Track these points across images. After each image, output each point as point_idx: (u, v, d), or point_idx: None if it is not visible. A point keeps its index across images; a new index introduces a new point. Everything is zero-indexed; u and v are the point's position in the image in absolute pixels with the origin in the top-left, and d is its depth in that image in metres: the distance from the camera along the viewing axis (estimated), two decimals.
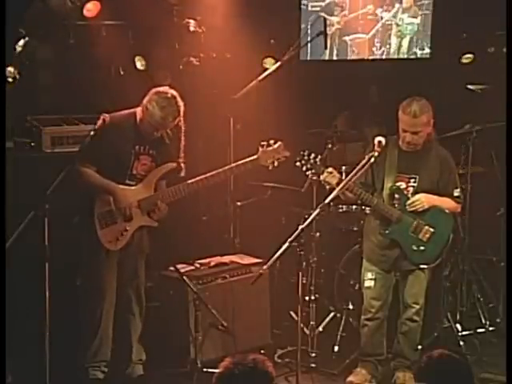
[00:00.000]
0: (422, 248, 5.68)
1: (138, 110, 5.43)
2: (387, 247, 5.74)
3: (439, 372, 3.26)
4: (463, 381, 3.29)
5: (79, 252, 5.56)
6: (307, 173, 5.67)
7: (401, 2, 7.42)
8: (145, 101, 5.37)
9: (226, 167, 5.58)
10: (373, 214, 5.83)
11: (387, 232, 5.68)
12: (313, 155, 5.61)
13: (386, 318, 5.86)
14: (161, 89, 5.40)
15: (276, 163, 5.57)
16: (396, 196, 5.67)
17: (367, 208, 6.20)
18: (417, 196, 5.66)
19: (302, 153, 5.64)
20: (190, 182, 5.50)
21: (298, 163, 5.65)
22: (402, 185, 5.70)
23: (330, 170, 5.61)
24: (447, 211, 5.76)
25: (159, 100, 5.32)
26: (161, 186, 5.58)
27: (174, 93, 5.39)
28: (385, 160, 5.64)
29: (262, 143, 5.57)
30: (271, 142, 5.58)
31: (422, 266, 5.73)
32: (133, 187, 5.47)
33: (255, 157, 5.58)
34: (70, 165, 5.01)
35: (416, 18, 7.42)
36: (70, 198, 5.45)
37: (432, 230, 5.67)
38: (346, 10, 7.38)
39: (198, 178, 5.51)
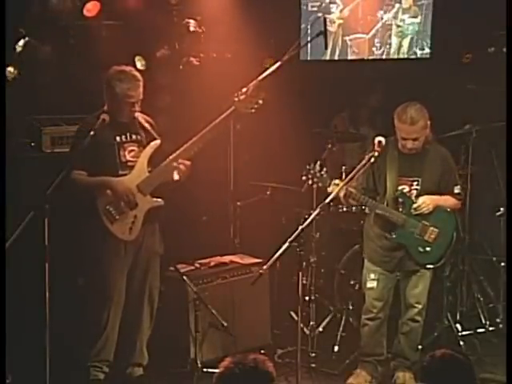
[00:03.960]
0: (427, 249, 5.68)
1: (105, 107, 5.50)
2: (392, 249, 5.74)
3: (442, 372, 3.26)
4: (466, 381, 3.29)
5: (87, 249, 5.56)
6: (313, 186, 5.64)
7: (400, 2, 7.42)
8: (105, 90, 5.49)
9: (211, 125, 5.54)
10: (375, 218, 5.81)
11: (394, 236, 5.68)
12: (318, 168, 5.58)
13: (386, 317, 5.86)
14: (111, 69, 5.53)
15: (256, 106, 5.55)
16: (400, 199, 5.67)
17: (367, 208, 6.20)
18: (421, 199, 5.65)
19: (308, 167, 5.61)
20: (178, 152, 5.50)
21: (304, 177, 5.62)
22: (405, 188, 5.69)
23: (336, 181, 5.59)
24: (449, 210, 5.77)
25: (116, 76, 5.45)
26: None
27: (125, 67, 5.56)
28: (385, 163, 5.63)
29: (235, 94, 5.57)
30: (243, 89, 5.57)
31: (428, 266, 5.73)
32: (127, 176, 5.48)
33: (233, 108, 5.56)
34: (67, 168, 5.02)
35: (416, 17, 7.42)
36: (71, 198, 5.45)
37: (437, 230, 5.68)
38: (341, 5, 7.39)
39: (185, 146, 5.51)
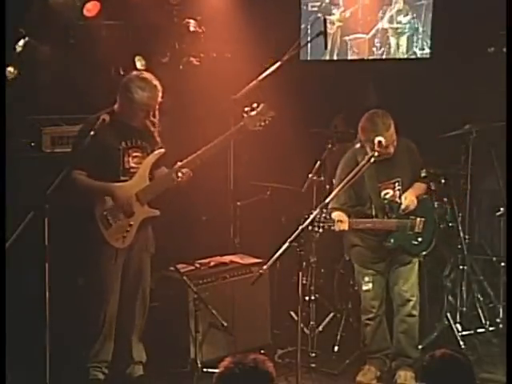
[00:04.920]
0: (419, 239, 5.76)
1: (115, 106, 5.46)
2: (384, 251, 5.77)
3: (441, 371, 3.26)
4: (465, 381, 3.29)
5: (82, 252, 5.56)
6: (320, 231, 5.53)
7: (396, 3, 7.41)
8: (121, 93, 5.43)
9: (216, 140, 5.53)
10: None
11: (391, 242, 5.70)
12: (319, 211, 5.48)
13: (384, 312, 5.90)
14: (132, 74, 5.49)
15: (263, 124, 5.55)
16: (386, 207, 5.70)
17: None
18: (406, 198, 5.69)
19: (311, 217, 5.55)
20: (181, 163, 5.49)
21: (310, 228, 5.54)
22: (390, 192, 5.75)
23: (338, 218, 5.55)
24: (425, 196, 5.85)
25: (137, 82, 5.40)
26: (160, 173, 5.60)
27: (146, 74, 5.52)
28: (361, 174, 5.55)
29: (246, 109, 5.56)
30: (254, 105, 5.56)
31: (421, 254, 5.80)
32: (128, 182, 5.46)
33: (242, 123, 5.56)
34: (66, 168, 5.01)
35: (407, 16, 7.41)
36: (69, 200, 5.45)
37: (423, 219, 5.74)
38: (342, 7, 7.39)
39: (189, 158, 5.49)
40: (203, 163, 5.51)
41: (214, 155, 5.53)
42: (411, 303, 5.80)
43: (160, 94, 5.45)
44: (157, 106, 5.47)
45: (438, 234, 5.89)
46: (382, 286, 5.86)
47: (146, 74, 5.51)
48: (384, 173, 5.70)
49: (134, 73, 5.54)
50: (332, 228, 5.47)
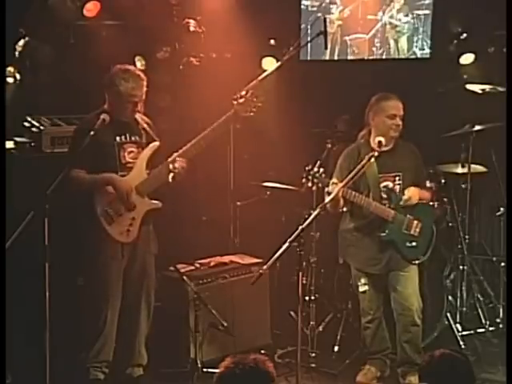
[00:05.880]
0: (414, 243, 5.74)
1: (105, 105, 5.48)
2: (379, 251, 5.75)
3: (441, 371, 3.26)
4: (465, 380, 3.29)
5: (84, 251, 5.56)
6: (313, 188, 5.59)
7: (395, 2, 7.41)
8: (108, 89, 5.46)
9: (209, 128, 5.55)
10: (353, 220, 5.81)
11: (386, 233, 5.68)
12: (315, 169, 5.53)
13: (382, 313, 5.89)
14: (115, 68, 5.50)
15: (254, 110, 5.59)
16: (384, 196, 5.68)
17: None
18: (409, 192, 5.69)
19: (306, 168, 5.55)
20: (177, 154, 5.49)
21: (303, 179, 5.56)
22: (390, 184, 5.74)
23: (334, 180, 5.57)
24: (426, 202, 5.86)
25: (121, 75, 5.43)
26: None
27: (129, 66, 5.57)
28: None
29: (235, 97, 5.60)
30: (242, 93, 5.59)
31: (415, 262, 5.76)
32: (126, 177, 5.47)
33: (232, 111, 5.59)
34: (66, 168, 5.02)
35: (407, 16, 7.41)
36: (69, 198, 5.45)
37: (421, 223, 5.72)
38: (340, 6, 7.38)
39: (184, 148, 5.50)
40: (199, 154, 5.52)
41: (208, 145, 5.53)
42: (412, 312, 5.75)
43: (145, 84, 5.46)
44: (143, 97, 5.47)
45: (436, 240, 5.87)
46: (380, 289, 5.84)
47: (129, 66, 5.54)
48: (386, 165, 5.69)
49: (117, 66, 5.54)
50: (326, 189, 5.46)
